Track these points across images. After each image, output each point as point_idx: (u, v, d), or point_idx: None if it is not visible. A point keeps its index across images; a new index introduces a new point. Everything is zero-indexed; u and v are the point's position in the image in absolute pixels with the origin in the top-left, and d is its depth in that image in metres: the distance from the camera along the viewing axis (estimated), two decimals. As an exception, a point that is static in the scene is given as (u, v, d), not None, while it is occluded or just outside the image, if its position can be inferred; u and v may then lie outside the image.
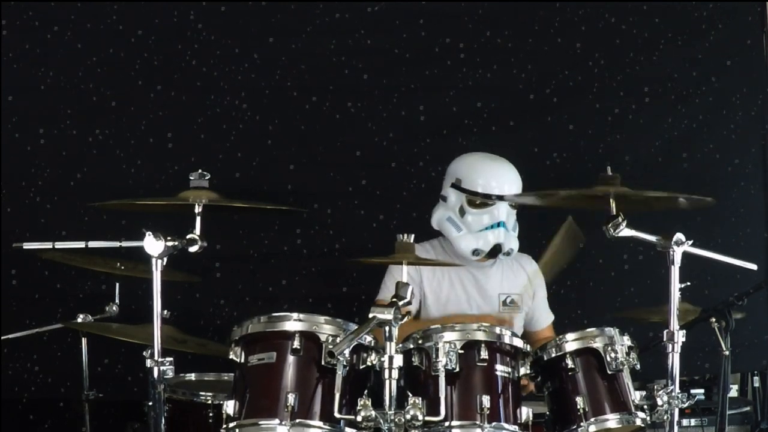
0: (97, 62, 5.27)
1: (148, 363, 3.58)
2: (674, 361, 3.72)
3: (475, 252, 4.57)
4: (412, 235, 3.83)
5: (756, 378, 5.63)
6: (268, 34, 5.39)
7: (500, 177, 4.60)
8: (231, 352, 3.75)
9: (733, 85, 5.67)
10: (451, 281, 4.67)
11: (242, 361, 3.73)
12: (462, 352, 3.70)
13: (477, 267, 4.68)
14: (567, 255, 5.14)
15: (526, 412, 3.75)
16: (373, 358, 3.68)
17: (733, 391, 5.58)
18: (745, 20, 5.66)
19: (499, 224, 4.55)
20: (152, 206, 4.30)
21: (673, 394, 3.71)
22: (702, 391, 5.29)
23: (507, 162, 4.66)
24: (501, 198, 4.53)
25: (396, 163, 5.47)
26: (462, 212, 4.60)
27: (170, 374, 3.60)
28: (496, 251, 4.57)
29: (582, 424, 3.75)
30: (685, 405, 3.78)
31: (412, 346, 3.77)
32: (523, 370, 3.82)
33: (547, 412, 3.92)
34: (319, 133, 5.43)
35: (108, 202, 4.38)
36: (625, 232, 3.78)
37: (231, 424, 3.63)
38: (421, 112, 5.48)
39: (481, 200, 4.56)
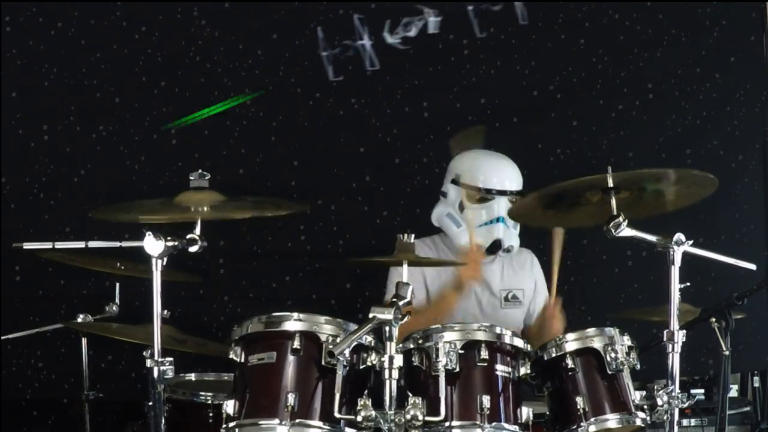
0: (100, 59, 5.28)
1: (148, 363, 3.57)
2: (674, 361, 3.72)
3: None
4: (413, 235, 3.83)
5: (756, 378, 5.62)
6: (271, 31, 5.38)
7: (500, 172, 4.60)
8: (231, 352, 3.74)
9: (736, 82, 5.67)
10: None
11: (242, 361, 3.72)
12: (462, 352, 3.69)
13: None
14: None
15: (526, 412, 3.74)
16: (373, 358, 3.67)
17: (733, 391, 5.57)
18: (749, 17, 5.64)
19: (498, 219, 4.54)
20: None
21: (673, 394, 3.70)
22: (702, 391, 5.29)
23: (507, 158, 4.66)
24: (503, 193, 4.54)
25: (400, 160, 5.47)
26: (461, 208, 4.60)
27: (170, 374, 3.59)
28: (495, 247, 4.56)
29: (582, 424, 3.74)
30: (685, 405, 3.77)
31: (412, 346, 3.76)
32: (523, 370, 3.81)
33: (547, 412, 3.91)
34: (323, 129, 5.42)
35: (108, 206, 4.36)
36: (626, 232, 3.76)
37: (231, 424, 3.62)
38: (424, 109, 5.48)
39: (480, 196, 4.56)
